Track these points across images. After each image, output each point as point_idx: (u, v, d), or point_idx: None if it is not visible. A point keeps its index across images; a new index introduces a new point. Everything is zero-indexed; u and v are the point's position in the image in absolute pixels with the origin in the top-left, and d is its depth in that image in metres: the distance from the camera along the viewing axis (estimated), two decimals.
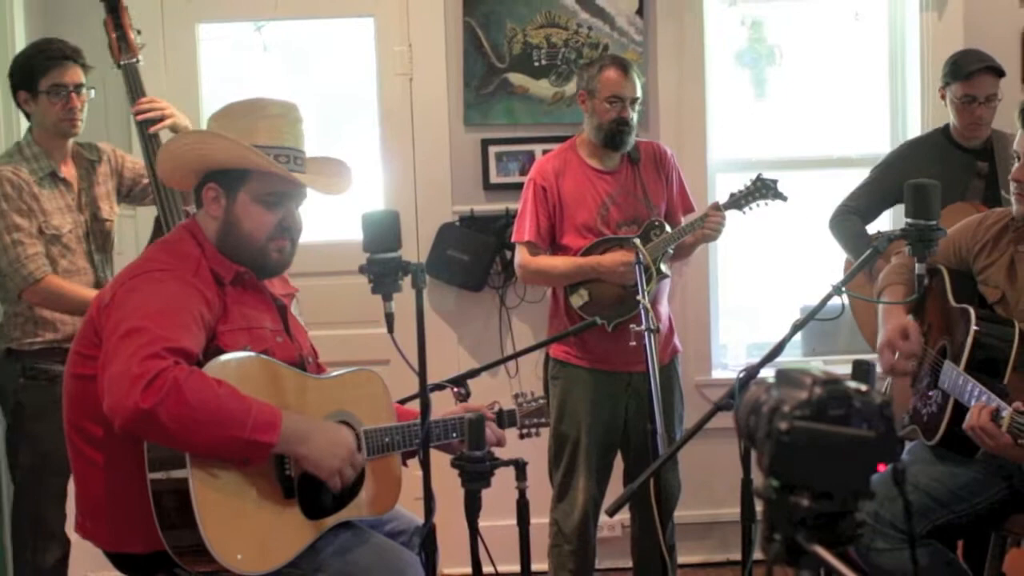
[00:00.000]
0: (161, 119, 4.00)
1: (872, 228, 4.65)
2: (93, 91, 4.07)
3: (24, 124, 4.17)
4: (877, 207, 4.64)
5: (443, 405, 3.25)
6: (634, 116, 4.26)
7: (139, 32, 4.14)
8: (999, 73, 4.40)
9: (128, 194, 4.26)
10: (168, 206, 3.92)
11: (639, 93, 4.29)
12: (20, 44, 4.65)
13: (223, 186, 2.93)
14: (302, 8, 5.13)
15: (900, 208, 4.60)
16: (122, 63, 4.07)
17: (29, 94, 3.96)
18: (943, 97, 4.50)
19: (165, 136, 3.94)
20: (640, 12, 5.06)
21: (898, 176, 4.37)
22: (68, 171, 4.04)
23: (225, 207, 2.94)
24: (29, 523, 4.03)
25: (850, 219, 4.58)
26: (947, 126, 4.54)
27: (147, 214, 4.34)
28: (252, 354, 2.83)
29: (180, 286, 2.78)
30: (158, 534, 2.67)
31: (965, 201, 4.28)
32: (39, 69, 3.94)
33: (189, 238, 2.96)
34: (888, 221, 4.91)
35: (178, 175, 3.12)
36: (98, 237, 4.10)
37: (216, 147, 2.91)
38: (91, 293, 3.70)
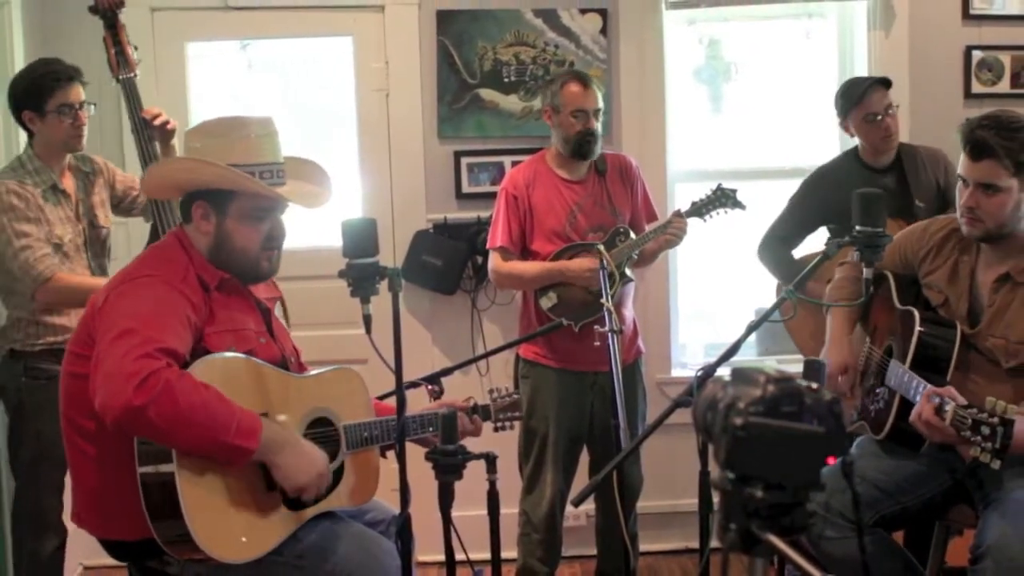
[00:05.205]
0: (167, 122, 4.02)
1: (799, 251, 4.65)
2: (93, 106, 4.06)
3: None
4: (799, 234, 4.64)
5: (418, 401, 3.25)
6: (598, 126, 4.27)
7: (136, 48, 4.13)
8: (887, 84, 4.42)
9: (119, 205, 4.25)
10: (163, 214, 3.91)
11: (600, 104, 4.29)
12: (19, 61, 4.60)
13: (212, 204, 2.94)
14: (285, 28, 5.12)
15: (821, 232, 4.59)
16: (121, 77, 4.07)
17: (36, 114, 3.92)
18: (846, 130, 4.50)
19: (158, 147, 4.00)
20: (604, 31, 5.06)
21: (815, 203, 4.42)
22: (67, 183, 4.03)
23: (216, 224, 2.94)
24: (29, 514, 4.01)
25: (775, 248, 4.61)
26: (856, 148, 4.54)
27: (140, 222, 4.33)
28: (237, 354, 2.83)
29: (168, 290, 2.79)
30: (147, 523, 2.67)
31: None
32: (47, 90, 3.91)
33: (177, 245, 2.98)
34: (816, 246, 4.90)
35: (163, 192, 3.12)
36: (95, 244, 4.10)
37: (206, 172, 2.91)
38: (100, 282, 3.65)
